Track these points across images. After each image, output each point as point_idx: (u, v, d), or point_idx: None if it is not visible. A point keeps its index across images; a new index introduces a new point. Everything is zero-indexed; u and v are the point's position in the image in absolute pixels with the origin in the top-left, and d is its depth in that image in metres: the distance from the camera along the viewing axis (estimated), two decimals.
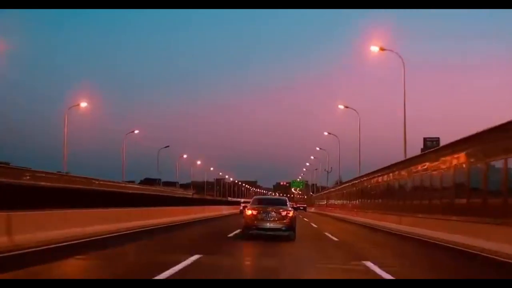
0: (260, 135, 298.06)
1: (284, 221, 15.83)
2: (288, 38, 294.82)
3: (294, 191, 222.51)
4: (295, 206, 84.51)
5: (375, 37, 33.32)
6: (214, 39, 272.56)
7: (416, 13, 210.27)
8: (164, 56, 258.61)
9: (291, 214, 16.07)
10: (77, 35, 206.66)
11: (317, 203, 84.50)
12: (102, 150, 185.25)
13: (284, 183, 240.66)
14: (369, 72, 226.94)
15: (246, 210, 16.82)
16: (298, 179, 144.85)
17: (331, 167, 72.67)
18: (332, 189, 62.01)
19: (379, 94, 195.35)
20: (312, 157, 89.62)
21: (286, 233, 16.01)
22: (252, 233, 16.11)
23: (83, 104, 42.97)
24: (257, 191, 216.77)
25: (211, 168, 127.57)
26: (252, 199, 18.50)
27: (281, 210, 16.05)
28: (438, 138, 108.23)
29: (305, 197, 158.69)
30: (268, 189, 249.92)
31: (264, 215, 15.87)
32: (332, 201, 58.52)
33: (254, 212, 16.00)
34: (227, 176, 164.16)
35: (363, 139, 49.18)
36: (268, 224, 15.86)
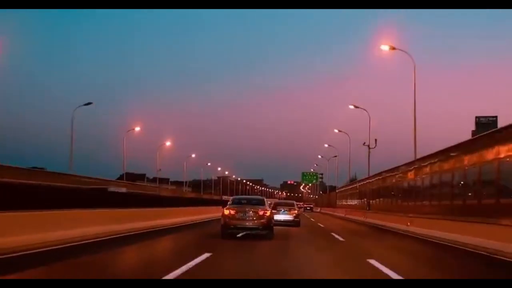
0: (268, 134, 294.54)
1: (261, 220, 15.83)
2: (297, 38, 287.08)
3: (303, 189, 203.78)
4: (302, 206, 70.81)
5: (387, 37, 34.26)
6: (224, 39, 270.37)
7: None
8: (175, 56, 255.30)
9: (268, 213, 16.15)
10: (85, 35, 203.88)
11: (341, 202, 57.89)
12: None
13: (292, 182, 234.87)
14: (385, 70, 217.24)
15: (224, 209, 16.33)
16: (311, 172, 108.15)
17: (376, 139, 43.67)
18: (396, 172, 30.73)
19: (393, 92, 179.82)
20: (336, 131, 59.83)
21: (263, 232, 15.89)
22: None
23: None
24: (262, 189, 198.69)
25: (222, 168, 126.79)
26: (231, 198, 18.42)
27: (258, 209, 16.01)
28: (496, 116, 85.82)
29: (316, 196, 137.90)
30: (275, 188, 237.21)
31: (242, 214, 15.87)
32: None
33: (232, 212, 15.93)
34: (234, 176, 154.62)
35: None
36: (245, 223, 15.86)
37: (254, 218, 15.69)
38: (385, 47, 29.28)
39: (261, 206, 16.25)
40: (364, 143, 43.67)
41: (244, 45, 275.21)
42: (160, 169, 61.20)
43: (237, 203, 16.90)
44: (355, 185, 49.56)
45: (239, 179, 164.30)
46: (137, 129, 58.75)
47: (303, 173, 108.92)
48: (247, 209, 15.89)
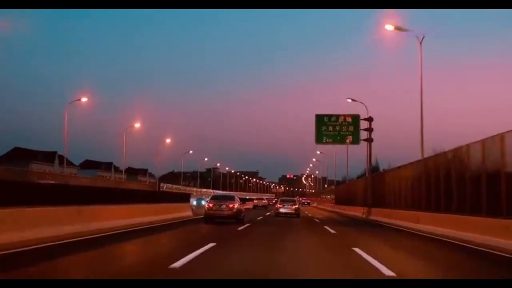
0: (268, 129, 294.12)
1: (232, 211, 22.69)
2: (296, 37, 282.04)
3: (305, 182, 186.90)
4: (301, 201, 73.42)
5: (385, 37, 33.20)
6: (224, 37, 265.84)
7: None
8: (175, 52, 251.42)
9: (236, 206, 22.92)
10: (91, 32, 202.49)
11: None
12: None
13: (291, 176, 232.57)
14: (383, 71, 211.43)
15: (206, 203, 24.09)
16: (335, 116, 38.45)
17: None
18: None
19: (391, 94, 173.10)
20: (349, 100, 42.54)
21: (233, 220, 22.42)
22: None
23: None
24: (256, 181, 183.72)
25: (213, 160, 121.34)
26: (210, 196, 27.28)
27: (229, 203, 23.00)
28: None
29: (313, 191, 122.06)
30: (272, 182, 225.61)
31: (218, 207, 22.82)
32: None
33: (211, 205, 23.02)
34: (227, 168, 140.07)
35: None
36: (219, 213, 22.66)
37: (227, 209, 22.64)
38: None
39: (232, 201, 23.38)
40: None
41: (244, 43, 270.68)
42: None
43: (215, 198, 24.74)
44: None
45: (232, 171, 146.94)
46: (84, 99, 48.25)
47: (317, 118, 38.22)
48: (221, 203, 22.97)
